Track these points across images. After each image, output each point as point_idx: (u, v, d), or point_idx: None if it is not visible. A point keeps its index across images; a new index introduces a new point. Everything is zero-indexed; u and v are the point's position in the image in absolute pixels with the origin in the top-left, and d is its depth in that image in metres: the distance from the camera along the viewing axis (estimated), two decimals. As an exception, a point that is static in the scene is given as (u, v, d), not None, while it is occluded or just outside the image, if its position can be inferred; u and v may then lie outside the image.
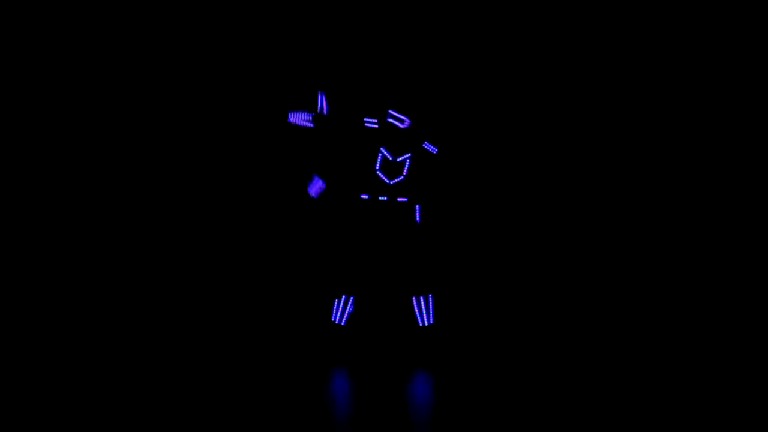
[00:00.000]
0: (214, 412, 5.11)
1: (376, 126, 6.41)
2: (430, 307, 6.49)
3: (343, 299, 6.48)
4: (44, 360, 6.06)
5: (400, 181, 6.39)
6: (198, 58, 7.38)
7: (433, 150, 6.39)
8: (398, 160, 6.38)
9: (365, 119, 6.43)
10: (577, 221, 7.36)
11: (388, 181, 6.38)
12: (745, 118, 7.22)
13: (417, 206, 6.45)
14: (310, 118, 6.41)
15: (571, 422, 5.03)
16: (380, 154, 6.39)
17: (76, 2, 7.30)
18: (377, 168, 6.39)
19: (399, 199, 6.39)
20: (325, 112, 6.44)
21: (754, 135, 7.22)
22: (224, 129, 7.41)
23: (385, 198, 6.38)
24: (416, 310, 6.47)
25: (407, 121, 6.37)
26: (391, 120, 6.36)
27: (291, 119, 6.43)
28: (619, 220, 7.34)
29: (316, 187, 6.50)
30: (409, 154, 6.38)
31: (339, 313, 6.49)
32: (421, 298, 6.47)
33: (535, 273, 7.37)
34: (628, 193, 7.33)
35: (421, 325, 6.48)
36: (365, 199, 6.40)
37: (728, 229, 7.24)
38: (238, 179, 7.41)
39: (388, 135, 6.40)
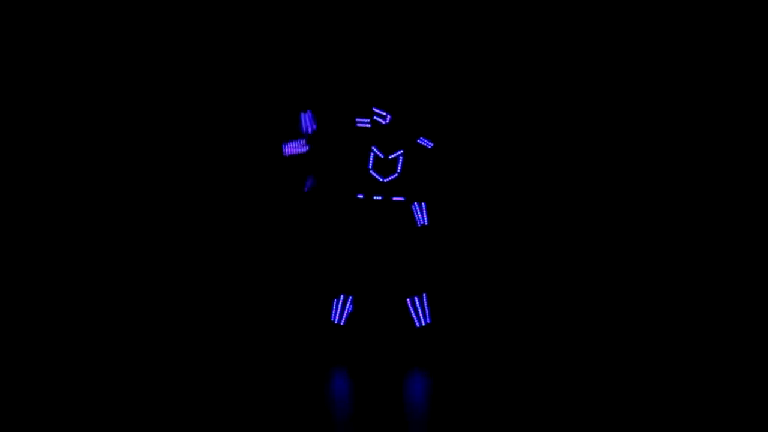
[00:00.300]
0: (215, 412, 5.11)
1: (368, 125, 6.42)
2: (426, 307, 6.48)
3: (342, 299, 6.48)
4: (44, 360, 6.06)
5: (395, 178, 6.39)
6: (193, 59, 7.37)
7: (429, 145, 6.39)
8: (390, 157, 6.39)
9: (357, 120, 6.44)
10: (573, 219, 7.35)
11: (382, 180, 6.38)
12: (745, 118, 7.22)
13: (423, 204, 6.43)
14: (304, 142, 6.45)
15: (569, 421, 5.04)
16: (372, 154, 6.40)
17: (76, 2, 7.30)
18: (370, 167, 6.40)
19: (394, 199, 6.38)
20: (311, 130, 6.48)
21: (754, 135, 7.22)
22: (222, 130, 7.40)
23: (380, 197, 6.38)
24: (412, 311, 6.47)
25: (388, 117, 6.39)
26: (375, 118, 6.38)
27: (286, 151, 6.48)
28: (616, 215, 7.33)
29: (308, 184, 6.52)
30: (402, 151, 6.39)
31: (338, 313, 6.49)
32: (416, 298, 6.47)
33: (532, 272, 7.37)
34: (624, 188, 7.32)
35: (418, 325, 6.47)
36: (361, 199, 6.40)
37: (728, 229, 7.24)
38: (236, 180, 7.40)
39: (378, 134, 6.40)
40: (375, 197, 6.39)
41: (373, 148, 6.39)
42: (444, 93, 7.24)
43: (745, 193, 7.22)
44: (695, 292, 7.16)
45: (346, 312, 6.48)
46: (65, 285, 7.28)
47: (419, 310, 6.46)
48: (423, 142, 6.41)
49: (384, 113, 6.37)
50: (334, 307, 6.49)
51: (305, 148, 6.51)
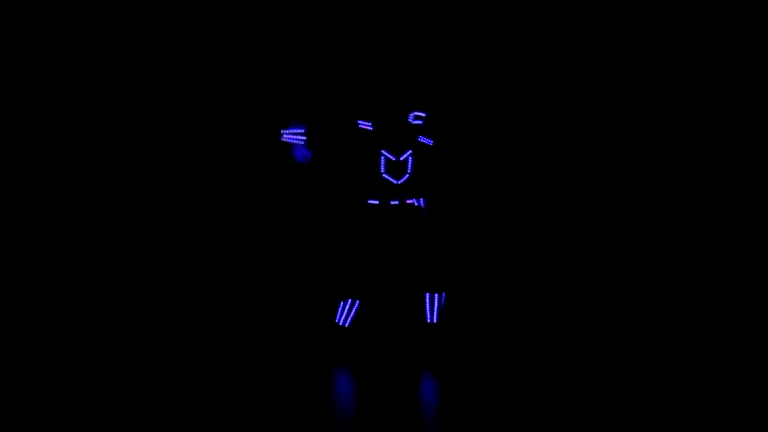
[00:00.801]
0: (220, 414, 5.10)
1: (371, 128, 6.35)
2: (441, 305, 6.44)
3: (349, 303, 6.44)
4: (44, 360, 6.04)
5: (407, 179, 6.32)
6: (199, 58, 7.36)
7: (429, 142, 6.36)
8: (401, 159, 6.32)
9: (359, 122, 6.37)
10: (584, 220, 7.36)
11: (395, 182, 6.32)
12: (745, 118, 7.24)
13: (422, 200, 6.39)
14: (303, 133, 6.35)
15: (580, 422, 5.04)
16: (383, 157, 6.33)
17: (76, 2, 7.28)
18: (383, 171, 6.34)
19: (408, 202, 6.32)
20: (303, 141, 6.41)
21: (754, 135, 7.24)
22: (233, 129, 7.39)
23: (396, 202, 6.30)
24: (427, 306, 6.40)
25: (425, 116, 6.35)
26: (416, 121, 6.31)
27: (283, 138, 6.39)
28: (626, 220, 7.35)
29: (301, 155, 6.42)
30: (410, 151, 6.34)
31: (344, 315, 6.46)
32: (436, 295, 6.41)
33: (543, 272, 7.37)
34: (635, 193, 7.33)
35: (429, 321, 6.43)
36: (375, 204, 6.31)
37: (728, 229, 7.26)
38: (246, 182, 7.40)
39: (387, 135, 6.33)
40: (392, 202, 6.31)
41: (383, 151, 6.31)
42: (443, 90, 7.24)
43: (745, 193, 7.24)
44: (697, 292, 7.18)
45: (351, 315, 6.46)
46: (65, 285, 7.26)
47: (435, 306, 6.41)
48: (423, 140, 6.39)
49: (424, 114, 6.33)
50: (340, 310, 6.46)
51: (302, 141, 6.39)
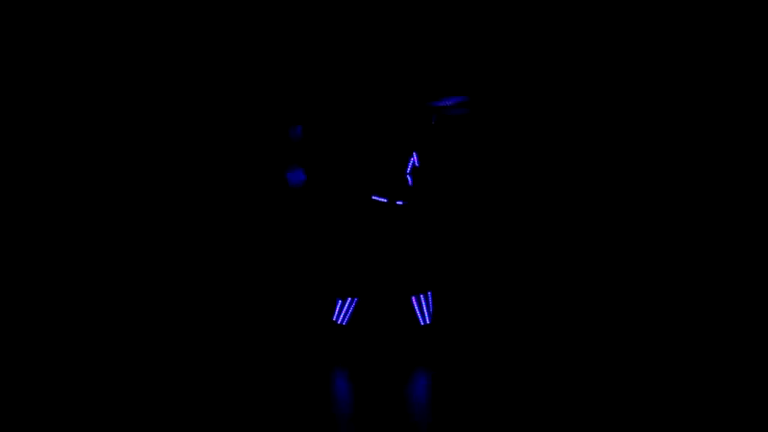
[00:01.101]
0: (218, 412, 5.12)
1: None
2: (430, 306, 6.47)
3: (348, 301, 6.45)
4: (44, 360, 6.06)
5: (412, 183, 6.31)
6: (228, 55, 7.37)
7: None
8: (419, 163, 6.30)
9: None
10: (578, 218, 7.37)
11: (411, 184, 6.32)
12: (745, 118, 7.24)
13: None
14: (462, 99, 6.14)
15: (576, 422, 5.05)
16: (412, 159, 6.31)
17: (76, 2, 7.31)
18: (408, 171, 6.27)
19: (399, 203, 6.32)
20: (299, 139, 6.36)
21: (754, 135, 7.24)
22: (232, 128, 7.40)
23: (401, 203, 6.27)
24: (416, 309, 6.45)
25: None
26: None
27: (442, 103, 6.21)
28: (619, 217, 7.35)
29: (296, 177, 6.36)
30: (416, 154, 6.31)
31: (341, 313, 6.47)
32: (421, 296, 6.45)
33: (536, 271, 7.38)
34: (629, 190, 7.34)
35: (422, 324, 6.46)
36: (383, 202, 6.29)
37: (728, 229, 7.26)
38: (244, 179, 7.41)
39: (421, 138, 6.30)
40: (398, 202, 6.29)
41: (414, 153, 6.29)
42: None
43: (745, 193, 7.24)
44: (696, 292, 7.19)
45: (349, 313, 6.46)
46: (65, 285, 7.28)
47: (424, 308, 6.43)
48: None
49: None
50: (338, 308, 6.47)
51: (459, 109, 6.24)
